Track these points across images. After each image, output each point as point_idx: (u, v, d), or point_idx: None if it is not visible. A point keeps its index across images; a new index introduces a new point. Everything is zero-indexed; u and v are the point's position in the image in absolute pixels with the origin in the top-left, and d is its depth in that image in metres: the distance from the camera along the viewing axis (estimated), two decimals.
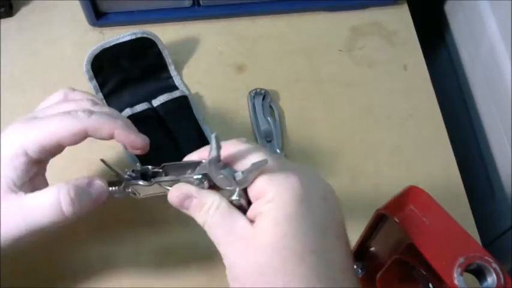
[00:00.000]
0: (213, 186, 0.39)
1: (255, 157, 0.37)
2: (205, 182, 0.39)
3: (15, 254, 0.38)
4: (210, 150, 0.38)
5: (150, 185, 0.41)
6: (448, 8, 0.79)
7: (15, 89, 0.67)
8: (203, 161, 0.39)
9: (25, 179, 0.39)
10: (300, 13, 0.75)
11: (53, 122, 0.39)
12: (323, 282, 0.33)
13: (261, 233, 0.34)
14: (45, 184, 0.42)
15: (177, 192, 0.39)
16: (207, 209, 0.37)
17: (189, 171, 0.40)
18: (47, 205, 0.38)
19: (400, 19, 0.76)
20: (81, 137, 0.41)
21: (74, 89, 0.46)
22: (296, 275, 0.33)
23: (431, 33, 0.82)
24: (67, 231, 0.58)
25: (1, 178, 0.37)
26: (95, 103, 0.44)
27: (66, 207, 0.38)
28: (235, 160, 0.38)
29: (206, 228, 0.37)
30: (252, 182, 0.36)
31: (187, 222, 0.57)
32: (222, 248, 0.36)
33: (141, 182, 0.42)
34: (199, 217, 0.38)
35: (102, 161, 0.43)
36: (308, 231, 0.34)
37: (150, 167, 0.42)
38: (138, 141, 0.43)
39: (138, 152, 0.44)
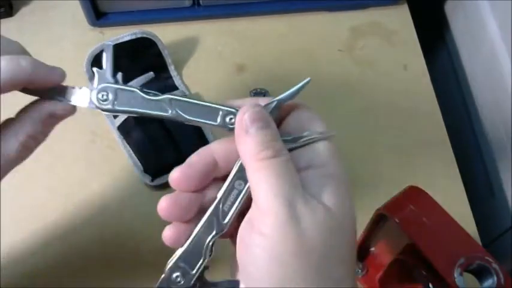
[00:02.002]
0: None
1: (318, 125, 0.34)
2: None
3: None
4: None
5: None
6: (448, 8, 0.79)
7: None
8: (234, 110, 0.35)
9: None
10: (300, 13, 0.75)
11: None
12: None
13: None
14: None
15: (254, 109, 0.33)
16: (279, 150, 0.32)
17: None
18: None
19: (400, 19, 0.76)
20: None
21: None
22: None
23: (431, 33, 0.82)
24: (67, 230, 0.58)
25: None
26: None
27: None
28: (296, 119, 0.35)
29: (263, 163, 0.32)
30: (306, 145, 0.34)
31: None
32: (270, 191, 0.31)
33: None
34: (262, 152, 0.32)
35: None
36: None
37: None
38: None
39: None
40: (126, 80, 0.65)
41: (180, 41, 0.72)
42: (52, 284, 0.55)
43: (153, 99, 0.38)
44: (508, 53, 0.63)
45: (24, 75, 0.37)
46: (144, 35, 0.65)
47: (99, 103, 0.38)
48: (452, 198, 0.62)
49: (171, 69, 0.68)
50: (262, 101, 0.35)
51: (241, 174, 0.34)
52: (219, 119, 0.35)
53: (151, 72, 0.37)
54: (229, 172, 0.35)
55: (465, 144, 0.74)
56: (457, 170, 0.64)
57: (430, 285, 0.42)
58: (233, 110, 0.35)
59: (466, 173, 0.65)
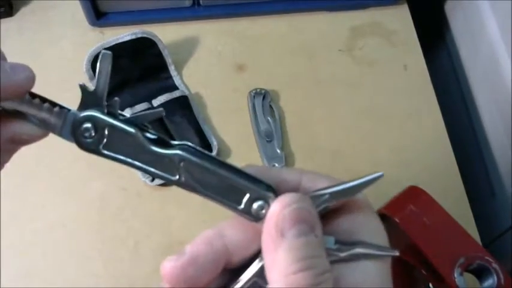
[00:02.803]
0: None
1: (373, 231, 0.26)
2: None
3: None
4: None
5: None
6: (448, 8, 0.79)
7: None
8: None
9: None
10: (300, 13, 0.75)
11: None
12: None
13: None
14: None
15: (299, 204, 0.24)
16: (320, 274, 0.23)
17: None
18: None
19: (400, 19, 0.76)
20: None
21: None
22: None
23: (431, 33, 0.82)
24: (67, 230, 0.58)
25: None
26: None
27: None
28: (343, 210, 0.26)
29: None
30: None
31: (187, 221, 0.57)
32: None
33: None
34: (298, 273, 0.23)
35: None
36: None
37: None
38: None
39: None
40: (126, 81, 0.66)
41: (180, 41, 0.72)
42: (51, 283, 0.55)
43: (157, 153, 0.26)
44: (508, 53, 0.63)
45: None
46: (144, 35, 0.65)
47: (79, 138, 0.27)
48: (452, 198, 0.62)
49: (171, 69, 0.68)
50: (316, 180, 0.27)
51: (260, 282, 0.25)
52: (244, 203, 0.26)
53: (162, 109, 0.28)
54: (244, 264, 0.26)
55: (465, 144, 0.74)
56: (457, 170, 0.64)
57: (430, 285, 0.42)
58: (266, 194, 0.25)
59: (466, 173, 0.65)
